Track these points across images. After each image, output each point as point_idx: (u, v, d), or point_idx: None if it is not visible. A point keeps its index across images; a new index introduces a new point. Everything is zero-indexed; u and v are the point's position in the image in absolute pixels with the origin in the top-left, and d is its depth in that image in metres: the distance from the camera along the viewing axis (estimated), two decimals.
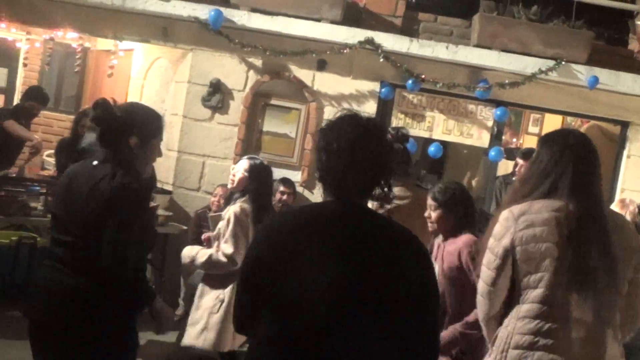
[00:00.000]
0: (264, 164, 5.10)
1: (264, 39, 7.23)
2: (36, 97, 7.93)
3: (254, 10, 7.14)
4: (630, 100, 7.53)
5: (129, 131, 3.23)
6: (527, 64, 7.20)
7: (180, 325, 5.27)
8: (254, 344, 2.45)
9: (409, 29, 7.59)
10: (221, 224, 4.96)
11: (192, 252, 5.00)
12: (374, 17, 7.57)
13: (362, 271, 2.30)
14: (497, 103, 7.56)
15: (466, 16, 7.69)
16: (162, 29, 7.40)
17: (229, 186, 5.19)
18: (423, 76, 7.27)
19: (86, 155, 4.85)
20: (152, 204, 6.92)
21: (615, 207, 5.98)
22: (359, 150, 2.35)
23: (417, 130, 7.69)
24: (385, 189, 2.46)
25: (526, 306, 2.95)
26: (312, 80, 7.48)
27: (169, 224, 7.14)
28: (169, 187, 7.49)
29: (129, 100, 8.42)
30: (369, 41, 7.11)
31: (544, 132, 9.91)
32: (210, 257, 4.86)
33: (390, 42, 7.17)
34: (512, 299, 3.03)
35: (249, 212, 4.87)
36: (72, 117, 8.67)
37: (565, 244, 2.87)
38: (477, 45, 7.29)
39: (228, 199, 5.25)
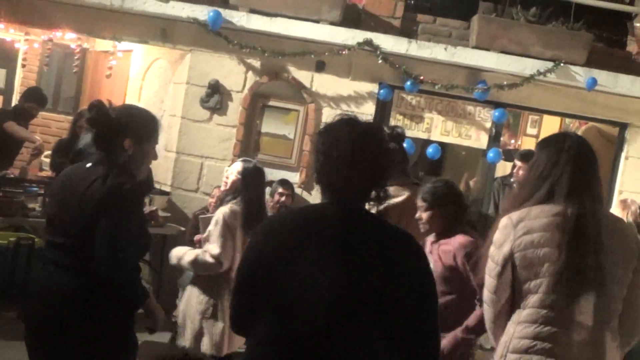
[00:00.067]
0: (257, 167, 5.09)
1: (263, 40, 7.23)
2: (35, 98, 7.93)
3: (253, 11, 7.14)
4: (628, 101, 7.54)
5: (123, 133, 3.21)
6: (526, 66, 7.20)
7: (174, 326, 5.26)
8: (253, 344, 2.44)
9: (407, 31, 7.59)
10: (211, 226, 4.96)
11: (180, 252, 4.98)
12: (373, 19, 7.57)
13: (361, 272, 2.30)
14: (495, 104, 7.56)
15: (465, 18, 7.69)
16: (161, 30, 7.40)
17: (222, 188, 5.19)
18: (422, 77, 7.27)
19: (83, 156, 4.85)
20: (152, 207, 6.92)
21: (616, 207, 5.98)
22: (357, 154, 2.35)
23: (415, 131, 7.69)
24: (382, 191, 2.46)
25: (526, 311, 2.94)
26: (310, 82, 7.49)
27: (167, 225, 7.13)
28: (167, 188, 7.49)
29: (128, 101, 8.44)
30: (368, 42, 7.11)
31: (542, 134, 9.98)
32: (196, 257, 4.82)
33: (389, 43, 7.17)
34: (514, 305, 3.03)
35: (238, 215, 4.86)
36: (70, 118, 8.68)
37: (564, 249, 2.87)
38: (476, 47, 7.30)
39: (220, 201, 5.24)
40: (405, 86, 7.29)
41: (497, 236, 3.02)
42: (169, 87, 7.99)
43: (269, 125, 7.53)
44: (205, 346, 4.84)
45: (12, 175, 7.49)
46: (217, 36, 7.16)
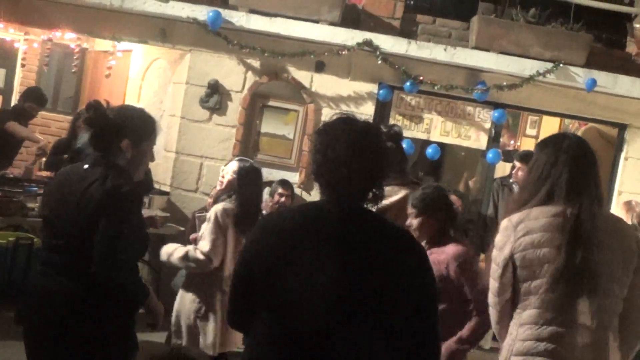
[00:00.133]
0: (253, 167, 5.09)
1: (263, 40, 7.23)
2: (35, 99, 7.92)
3: (253, 11, 7.14)
4: (628, 102, 7.54)
5: (121, 134, 3.19)
6: (525, 66, 7.20)
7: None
8: (252, 344, 2.44)
9: (407, 31, 7.59)
10: (204, 224, 4.97)
11: (170, 249, 4.98)
12: (372, 19, 7.57)
13: (361, 271, 2.30)
14: (495, 105, 7.57)
15: (465, 18, 7.69)
16: (161, 29, 7.40)
17: (218, 187, 5.19)
18: (421, 78, 7.27)
19: (81, 156, 4.82)
20: (150, 212, 6.91)
21: (620, 209, 5.97)
22: (354, 153, 2.35)
23: (415, 132, 7.69)
24: (378, 190, 2.46)
25: (527, 312, 2.95)
26: (310, 82, 7.49)
27: (167, 225, 7.13)
28: (166, 188, 7.49)
29: (127, 101, 8.44)
30: (368, 43, 7.11)
31: (541, 135, 9.98)
32: (186, 253, 4.81)
33: (389, 43, 7.17)
34: (516, 306, 3.03)
35: (231, 213, 4.86)
36: (70, 117, 8.68)
37: (563, 249, 2.87)
38: (476, 48, 7.30)
39: (215, 200, 5.25)
40: (404, 87, 7.29)
41: (498, 238, 3.03)
42: (168, 87, 7.99)
43: (269, 126, 7.53)
44: (201, 345, 4.86)
45: (11, 175, 7.49)
46: (216, 36, 7.16)
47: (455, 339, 3.96)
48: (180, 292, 5.05)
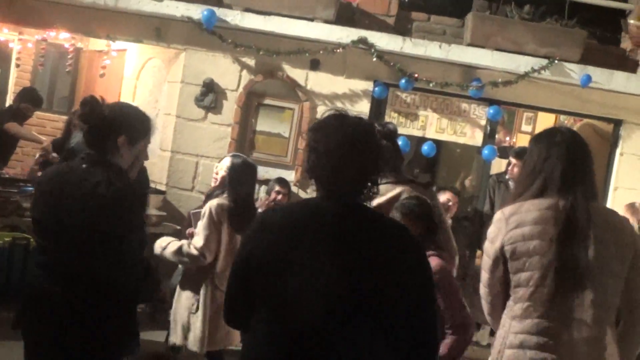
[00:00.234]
0: (247, 163, 5.09)
1: (257, 39, 7.23)
2: (30, 99, 7.91)
3: (247, 10, 7.13)
4: (623, 98, 7.55)
5: (117, 130, 3.15)
6: (520, 63, 7.21)
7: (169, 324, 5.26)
8: (251, 342, 2.44)
9: (402, 29, 7.60)
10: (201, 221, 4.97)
11: (164, 243, 4.96)
12: (367, 17, 7.57)
13: (358, 268, 2.30)
14: (490, 102, 7.57)
15: (459, 15, 7.70)
16: (155, 29, 7.39)
17: (212, 184, 5.19)
18: (416, 75, 7.28)
19: (75, 155, 4.78)
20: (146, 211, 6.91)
21: (625, 212, 5.96)
22: (347, 150, 2.35)
23: (410, 129, 7.69)
24: (373, 187, 2.46)
25: (518, 305, 2.96)
26: (305, 80, 7.49)
27: (163, 224, 7.12)
28: (162, 187, 7.48)
29: (122, 100, 8.41)
30: (362, 41, 7.11)
31: (537, 131, 9.96)
32: (180, 247, 4.80)
33: (384, 41, 7.17)
34: (508, 299, 3.04)
35: (226, 208, 4.86)
36: (65, 117, 8.66)
37: (554, 242, 2.88)
38: (470, 45, 7.30)
39: (209, 196, 5.24)
40: (400, 84, 7.30)
41: (491, 230, 3.05)
42: (163, 86, 7.98)
43: (264, 124, 7.53)
44: (191, 341, 4.84)
45: (7, 175, 7.48)
46: (211, 35, 7.16)
47: None
48: (177, 290, 5.05)
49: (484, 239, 3.14)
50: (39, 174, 7.74)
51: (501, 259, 2.97)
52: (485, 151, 7.56)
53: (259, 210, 6.02)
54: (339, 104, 7.45)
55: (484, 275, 3.07)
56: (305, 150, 2.52)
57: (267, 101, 7.52)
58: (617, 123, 7.83)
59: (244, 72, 7.46)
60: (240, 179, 4.96)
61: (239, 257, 2.49)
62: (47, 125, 10.07)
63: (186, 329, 4.87)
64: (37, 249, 3.28)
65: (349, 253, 2.31)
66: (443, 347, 3.85)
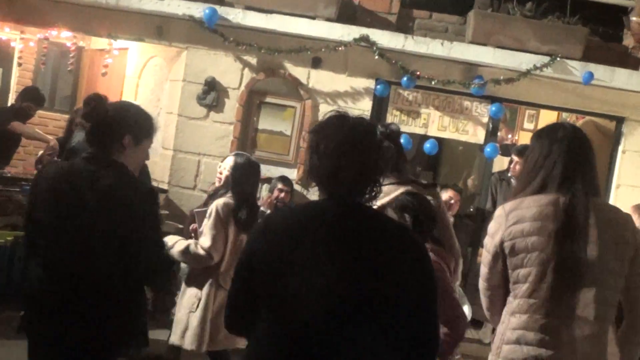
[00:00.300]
0: (250, 161, 5.08)
1: (259, 37, 7.23)
2: (32, 98, 7.90)
3: (249, 8, 7.13)
4: (625, 95, 7.54)
5: (123, 130, 3.15)
6: (522, 61, 7.20)
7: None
8: (252, 342, 2.44)
9: (404, 26, 7.59)
10: (206, 219, 4.95)
11: (171, 241, 4.96)
12: (369, 15, 7.57)
13: (360, 269, 2.30)
14: (492, 99, 7.56)
15: (461, 13, 7.69)
16: (157, 27, 7.40)
17: (217, 184, 5.18)
18: (418, 73, 7.27)
19: (77, 154, 4.74)
20: None
21: (632, 213, 5.94)
22: (347, 151, 2.35)
23: (412, 127, 7.69)
24: (375, 187, 2.46)
25: (517, 301, 2.96)
26: (307, 78, 7.48)
27: (165, 222, 7.12)
28: (164, 186, 7.48)
29: (124, 99, 8.41)
30: (364, 38, 7.10)
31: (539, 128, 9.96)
32: (187, 247, 4.78)
33: (386, 39, 7.17)
34: (508, 295, 3.05)
35: (232, 208, 4.86)
36: (67, 116, 8.66)
37: (553, 238, 2.88)
38: (472, 42, 7.30)
39: (212, 196, 5.23)
40: (401, 82, 7.29)
41: (491, 225, 3.06)
42: (165, 84, 7.98)
43: (266, 122, 7.53)
44: (188, 339, 4.83)
45: (9, 174, 7.48)
46: (213, 33, 7.16)
47: None
48: (182, 288, 5.04)
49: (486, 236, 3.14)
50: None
51: (500, 254, 2.97)
52: (488, 149, 7.55)
53: (261, 208, 6.03)
54: (340, 102, 7.45)
55: (483, 270, 3.09)
56: (306, 152, 2.50)
57: (269, 99, 7.52)
58: (619, 120, 7.82)
59: (246, 70, 7.46)
60: (244, 178, 4.96)
61: (242, 258, 2.48)
62: (49, 124, 10.07)
63: (184, 328, 4.86)
64: (28, 248, 3.24)
65: (350, 253, 2.31)
66: None
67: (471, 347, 7.20)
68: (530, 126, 10.46)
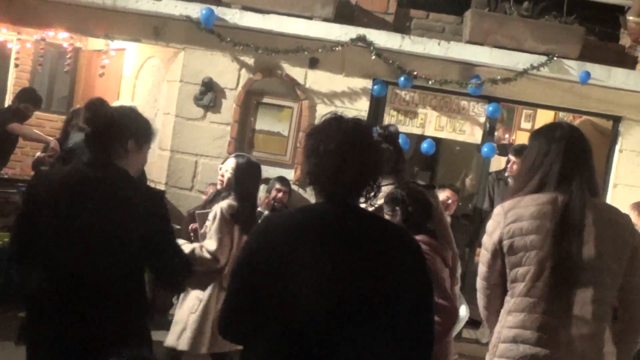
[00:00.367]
0: (251, 161, 5.06)
1: (256, 37, 7.22)
2: (30, 99, 7.89)
3: (246, 8, 7.13)
4: (622, 95, 7.54)
5: (126, 134, 3.16)
6: (519, 60, 7.20)
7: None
8: (252, 344, 2.43)
9: (401, 26, 7.59)
10: (209, 222, 4.93)
11: None
12: (366, 15, 7.57)
13: (359, 270, 2.31)
14: (489, 99, 7.57)
15: (458, 13, 7.70)
16: (154, 28, 7.39)
17: (219, 186, 5.15)
18: (415, 73, 7.27)
19: (74, 155, 4.72)
20: None
21: (631, 211, 5.96)
22: (345, 153, 2.36)
23: (409, 127, 7.69)
24: (374, 188, 2.46)
25: (514, 300, 2.96)
26: (304, 78, 7.48)
27: None
28: (161, 187, 7.47)
29: (121, 99, 8.41)
30: (361, 38, 7.10)
31: (536, 128, 9.97)
32: (192, 251, 4.74)
33: (383, 39, 7.17)
34: (505, 294, 3.05)
35: (236, 210, 4.84)
36: (64, 117, 8.65)
37: (551, 237, 2.88)
38: (469, 42, 7.30)
39: (214, 198, 5.22)
40: (399, 82, 7.29)
41: (489, 224, 3.06)
42: (162, 85, 7.98)
43: (263, 123, 7.53)
44: (184, 340, 4.80)
45: (6, 176, 7.48)
46: (210, 34, 7.15)
47: None
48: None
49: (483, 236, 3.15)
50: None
51: (499, 252, 2.98)
52: (485, 149, 7.55)
53: (259, 209, 6.02)
54: (338, 103, 7.45)
55: (482, 269, 3.08)
56: (303, 155, 2.50)
57: (266, 100, 7.51)
58: (617, 119, 7.83)
59: (243, 70, 7.45)
60: (247, 179, 4.94)
61: (241, 258, 2.47)
62: (46, 125, 10.05)
63: (182, 329, 4.84)
64: (21, 250, 3.22)
65: (350, 253, 2.32)
66: None
67: (469, 347, 7.21)
68: (528, 126, 10.48)
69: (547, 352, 2.87)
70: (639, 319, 3.03)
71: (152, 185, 7.27)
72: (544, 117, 9.78)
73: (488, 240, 3.04)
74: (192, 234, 5.19)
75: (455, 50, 7.24)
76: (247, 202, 4.88)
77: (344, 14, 7.44)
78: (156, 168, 7.44)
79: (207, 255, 4.72)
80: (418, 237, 3.85)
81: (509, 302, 2.99)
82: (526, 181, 3.07)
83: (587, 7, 7.72)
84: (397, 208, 4.03)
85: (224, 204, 4.85)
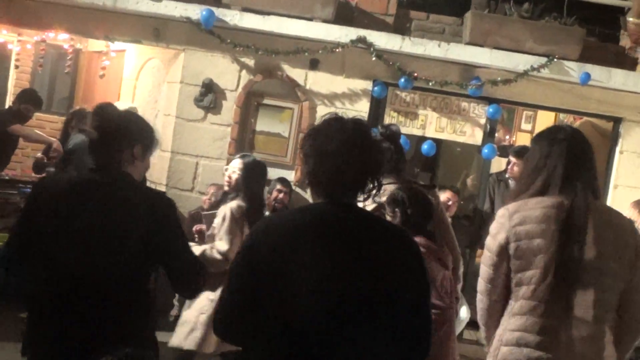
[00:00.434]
0: (257, 161, 5.07)
1: (256, 39, 7.22)
2: (31, 100, 7.89)
3: (246, 9, 7.13)
4: (622, 96, 7.55)
5: (134, 139, 3.16)
6: (519, 61, 7.21)
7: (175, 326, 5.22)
8: (251, 343, 2.43)
9: (401, 27, 7.60)
10: (216, 222, 4.92)
11: None
12: (366, 16, 7.57)
13: (359, 270, 2.32)
14: (489, 100, 7.57)
15: (458, 14, 7.70)
16: (154, 29, 7.39)
17: (226, 188, 5.13)
18: (415, 74, 7.28)
19: (74, 156, 4.68)
20: None
21: (631, 209, 5.96)
22: (347, 153, 2.36)
23: (410, 128, 7.69)
24: (374, 186, 2.46)
25: (519, 303, 2.96)
26: (304, 80, 7.48)
27: None
28: (162, 188, 7.47)
29: (122, 101, 8.42)
30: (362, 40, 7.11)
31: (536, 129, 9.99)
32: (203, 253, 4.74)
33: (383, 40, 7.17)
34: (508, 297, 3.04)
35: (245, 210, 4.84)
36: (64, 118, 8.65)
37: (556, 240, 2.88)
38: (469, 43, 7.30)
39: (221, 199, 5.21)
40: (399, 83, 7.30)
41: (493, 226, 3.05)
42: (162, 86, 7.98)
43: (264, 124, 7.53)
44: (192, 340, 4.79)
45: (7, 177, 7.48)
46: (210, 35, 7.15)
47: None
48: None
49: (484, 238, 3.14)
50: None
51: (506, 254, 2.96)
52: (485, 150, 7.56)
53: None
54: (338, 104, 7.45)
55: (487, 272, 3.05)
56: (302, 155, 2.49)
57: (267, 101, 7.51)
58: (617, 121, 7.83)
59: (243, 72, 7.46)
60: (254, 178, 4.95)
61: (240, 258, 2.46)
62: (46, 126, 10.06)
63: (191, 329, 4.83)
64: (16, 251, 3.21)
65: (350, 253, 2.33)
66: None
67: (470, 348, 7.20)
68: (528, 127, 10.48)
69: (550, 356, 2.87)
70: (639, 319, 3.03)
71: (152, 186, 7.28)
72: (544, 118, 9.78)
73: (492, 241, 3.02)
74: (196, 236, 5.18)
75: (456, 51, 7.25)
76: (256, 202, 4.88)
77: (344, 15, 7.44)
78: (157, 169, 7.44)
79: (218, 256, 4.72)
80: (416, 239, 3.86)
81: (512, 305, 2.98)
82: (529, 183, 3.06)
83: (587, 8, 7.71)
84: (397, 209, 4.04)
85: (233, 204, 4.84)
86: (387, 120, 7.58)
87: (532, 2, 7.38)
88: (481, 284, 3.10)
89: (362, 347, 2.29)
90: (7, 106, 9.22)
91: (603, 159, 7.74)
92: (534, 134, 3.45)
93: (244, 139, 7.50)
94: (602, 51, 7.68)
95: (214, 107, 7.44)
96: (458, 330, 5.80)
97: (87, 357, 3.02)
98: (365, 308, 2.29)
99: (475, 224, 7.75)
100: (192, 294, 3.29)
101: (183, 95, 7.46)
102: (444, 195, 6.87)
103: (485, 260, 3.06)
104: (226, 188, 5.13)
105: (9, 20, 7.64)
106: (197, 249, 4.76)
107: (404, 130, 7.39)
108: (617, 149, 7.79)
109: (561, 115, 9.33)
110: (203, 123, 7.48)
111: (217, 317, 2.49)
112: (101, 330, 3.02)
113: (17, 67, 9.96)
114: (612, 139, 7.89)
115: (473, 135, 7.77)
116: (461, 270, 4.59)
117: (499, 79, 7.28)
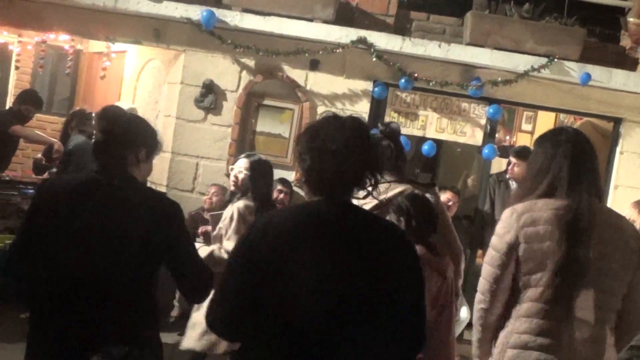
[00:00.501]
0: (263, 160, 5.07)
1: (257, 39, 7.22)
2: (31, 101, 7.89)
3: (246, 10, 7.13)
4: (622, 96, 7.55)
5: (140, 143, 3.17)
6: (520, 62, 7.20)
7: (176, 327, 5.22)
8: (251, 343, 2.43)
9: (401, 28, 7.60)
10: (222, 223, 4.91)
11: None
12: (366, 17, 7.57)
13: (358, 269, 2.32)
14: (490, 101, 7.57)
15: (459, 14, 7.70)
16: (154, 30, 7.39)
17: (232, 188, 5.12)
18: (416, 75, 7.28)
19: (75, 156, 4.67)
20: None
21: (631, 209, 5.95)
22: (347, 151, 2.36)
23: (410, 129, 7.69)
24: (372, 183, 2.46)
25: (526, 305, 2.95)
26: (305, 80, 7.48)
27: None
28: (162, 189, 7.47)
29: (122, 102, 8.41)
30: (362, 40, 7.11)
31: (537, 130, 10.00)
32: (211, 253, 4.74)
33: (383, 41, 7.17)
34: (511, 301, 3.02)
35: (253, 210, 4.82)
36: (64, 119, 8.65)
37: (563, 243, 2.87)
38: (470, 44, 7.30)
39: (229, 200, 5.20)
40: (399, 84, 7.30)
41: (500, 226, 3.02)
42: (163, 87, 7.98)
43: (264, 125, 7.53)
44: (205, 342, 4.79)
45: (7, 178, 7.48)
46: (210, 36, 7.16)
47: None
48: None
49: (485, 239, 3.14)
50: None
51: (514, 253, 2.94)
52: (486, 150, 7.55)
53: None
54: (338, 104, 7.45)
55: (493, 272, 3.01)
56: (299, 153, 2.49)
57: (267, 102, 7.52)
58: (617, 121, 7.83)
59: (244, 72, 7.46)
60: (261, 177, 4.94)
61: (239, 256, 2.45)
62: (47, 127, 10.06)
63: (204, 331, 4.82)
64: (22, 252, 3.21)
65: (350, 253, 2.33)
66: None
67: (470, 349, 7.18)
68: (528, 127, 10.49)
69: (554, 357, 2.87)
70: (639, 319, 3.04)
71: (152, 187, 7.28)
72: (545, 119, 9.79)
73: (499, 241, 3.00)
74: (201, 237, 5.18)
75: (456, 52, 7.25)
76: (265, 200, 4.88)
77: (345, 16, 7.44)
78: (157, 170, 7.43)
79: (226, 256, 4.71)
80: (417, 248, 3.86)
81: (519, 307, 2.97)
82: (535, 185, 3.05)
83: (587, 8, 7.71)
84: (402, 218, 4.04)
85: (240, 204, 4.83)
86: (387, 121, 7.58)
87: (533, 2, 7.38)
88: (485, 285, 3.06)
89: (361, 346, 2.29)
90: (7, 107, 9.21)
91: (603, 160, 7.74)
92: (536, 136, 3.45)
93: (244, 139, 7.50)
94: (602, 51, 7.68)
95: (214, 108, 7.45)
96: (458, 330, 5.79)
97: (87, 357, 3.03)
98: (365, 307, 2.30)
99: (475, 225, 7.74)
100: (200, 297, 3.27)
101: (183, 96, 7.46)
102: (444, 196, 6.88)
103: (492, 260, 3.02)
104: (232, 188, 5.11)
105: (9, 21, 7.64)
106: (205, 250, 4.78)
107: (404, 130, 7.40)
108: (618, 150, 7.79)
109: (561, 116, 9.34)
110: (203, 124, 7.48)
111: (216, 315, 2.45)
112: (101, 330, 3.02)
113: (17, 68, 9.96)
114: (613, 139, 7.89)
115: (473, 136, 7.77)
116: (463, 265, 4.58)
117: (500, 79, 7.28)
